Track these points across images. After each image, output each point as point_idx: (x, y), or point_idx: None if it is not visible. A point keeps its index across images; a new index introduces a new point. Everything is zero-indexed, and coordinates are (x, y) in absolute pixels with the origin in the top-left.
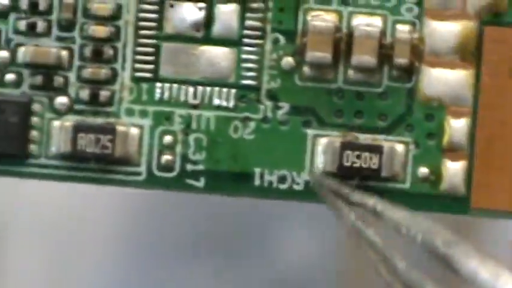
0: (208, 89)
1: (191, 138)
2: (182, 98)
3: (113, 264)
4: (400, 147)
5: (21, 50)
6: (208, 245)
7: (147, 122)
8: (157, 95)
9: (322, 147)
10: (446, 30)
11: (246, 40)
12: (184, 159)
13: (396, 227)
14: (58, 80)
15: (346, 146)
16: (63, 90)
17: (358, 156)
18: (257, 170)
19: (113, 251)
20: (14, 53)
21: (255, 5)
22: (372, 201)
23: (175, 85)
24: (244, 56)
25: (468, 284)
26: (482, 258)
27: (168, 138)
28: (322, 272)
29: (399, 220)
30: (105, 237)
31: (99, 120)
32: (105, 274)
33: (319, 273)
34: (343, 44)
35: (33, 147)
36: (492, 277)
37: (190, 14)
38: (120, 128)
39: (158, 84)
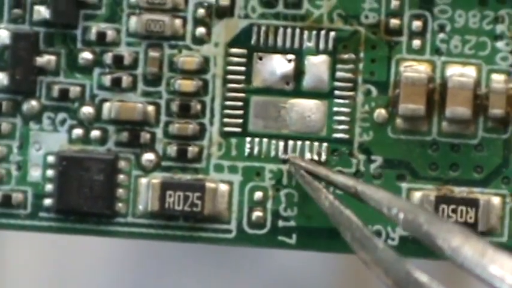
0: (299, 143)
1: (282, 194)
2: (272, 153)
3: None
4: (496, 200)
5: (106, 106)
6: None
7: (236, 178)
8: (246, 150)
9: (416, 201)
10: None
11: (337, 92)
12: (276, 215)
13: (378, 206)
14: (144, 136)
15: (441, 199)
16: (149, 146)
17: (454, 210)
18: None
19: None
20: (98, 109)
21: (345, 56)
22: (351, 181)
23: (265, 139)
24: (335, 109)
25: (451, 261)
26: (466, 235)
27: (258, 195)
28: (322, 272)
29: (380, 200)
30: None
31: (188, 177)
32: None
33: (319, 273)
34: (436, 95)
35: (120, 206)
36: (476, 254)
37: (279, 66)
38: (209, 185)
39: (247, 139)
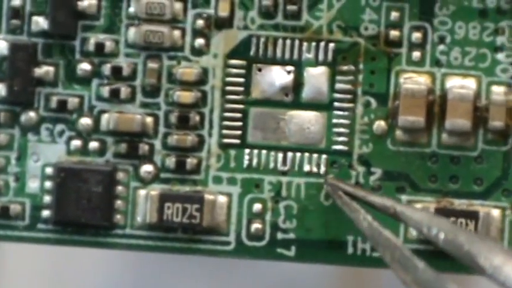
0: (298, 154)
1: (281, 205)
2: (271, 165)
3: None
4: (496, 213)
5: (105, 117)
6: None
7: (235, 190)
8: (245, 162)
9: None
10: None
11: (336, 104)
12: (275, 227)
13: (417, 226)
14: (143, 148)
15: (441, 212)
16: (148, 158)
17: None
18: (350, 238)
19: None
20: (97, 120)
21: (345, 68)
22: (390, 202)
23: (264, 151)
24: (335, 121)
25: (492, 280)
26: (508, 254)
27: (257, 206)
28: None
29: (420, 219)
30: None
31: (186, 189)
32: None
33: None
34: (436, 106)
35: (118, 218)
36: None
37: (278, 77)
38: (207, 197)
39: (246, 151)
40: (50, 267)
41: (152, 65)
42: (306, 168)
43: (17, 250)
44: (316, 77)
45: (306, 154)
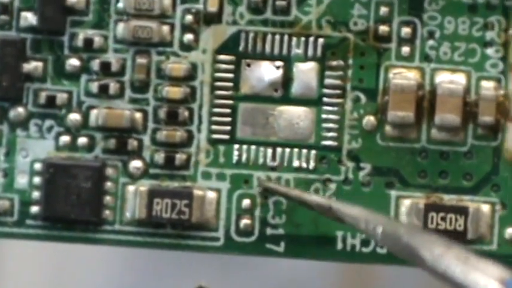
0: (287, 150)
1: (270, 201)
2: (260, 160)
3: None
4: (486, 208)
5: (94, 113)
6: None
7: (224, 186)
8: (234, 158)
9: (405, 209)
10: None
11: (325, 99)
12: (264, 223)
13: (354, 222)
14: (132, 144)
15: (430, 207)
16: (137, 153)
17: (443, 218)
18: (339, 234)
19: None
20: (86, 116)
21: (334, 63)
22: (325, 200)
23: (253, 147)
24: (324, 116)
25: (432, 271)
26: (448, 244)
27: (246, 202)
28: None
29: (356, 215)
30: None
31: (175, 185)
32: None
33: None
34: (425, 102)
35: (107, 213)
36: (459, 261)
37: (267, 73)
38: (197, 192)
39: (235, 146)
40: (41, 262)
41: (141, 60)
42: (295, 163)
43: (6, 246)
44: (305, 72)
45: (295, 150)
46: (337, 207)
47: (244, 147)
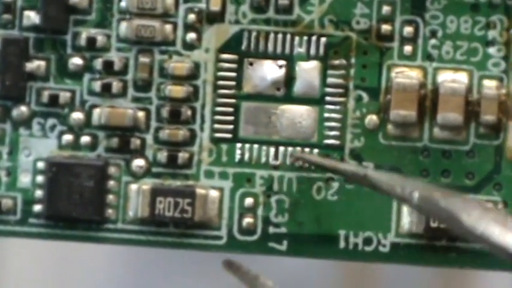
0: (290, 149)
1: (273, 200)
2: (263, 159)
3: None
4: None
5: (96, 112)
6: None
7: (227, 184)
8: (237, 156)
9: (408, 208)
10: None
11: (328, 98)
12: (266, 222)
13: (389, 188)
14: (135, 142)
15: None
16: (140, 152)
17: None
18: (342, 232)
19: None
20: (88, 115)
21: (337, 62)
22: (360, 168)
23: (255, 146)
24: (326, 115)
25: (469, 234)
26: (486, 208)
27: (249, 201)
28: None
29: (392, 181)
30: None
31: (178, 183)
32: None
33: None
34: (428, 101)
35: (109, 212)
36: (497, 224)
37: (270, 72)
38: (199, 191)
39: (238, 145)
40: (43, 261)
41: (144, 59)
42: (298, 162)
43: (9, 244)
44: (307, 71)
45: (298, 148)
46: (372, 174)
47: (247, 146)
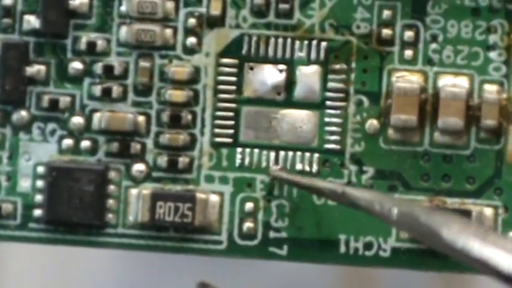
0: (290, 153)
1: (273, 205)
2: (263, 164)
3: None
4: (489, 212)
5: (97, 116)
6: None
7: (227, 189)
8: (237, 161)
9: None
10: None
11: (328, 103)
12: (267, 226)
13: (368, 205)
14: (135, 147)
15: None
16: (140, 157)
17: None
18: (342, 237)
19: None
20: (89, 119)
21: (337, 66)
22: (338, 185)
23: (256, 150)
24: (327, 119)
25: (449, 249)
26: (465, 222)
27: (249, 205)
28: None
29: (371, 198)
30: None
31: (178, 188)
32: None
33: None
34: (428, 105)
35: (110, 217)
36: (477, 238)
37: (270, 76)
38: (199, 196)
39: (238, 150)
40: (43, 266)
41: (144, 63)
42: (298, 167)
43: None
44: (308, 75)
45: (298, 153)
46: (350, 192)
47: (247, 150)
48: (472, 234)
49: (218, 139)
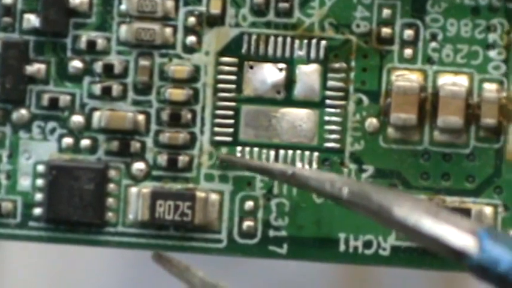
0: (290, 152)
1: (273, 203)
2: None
3: None
4: (488, 210)
5: (96, 115)
6: None
7: (227, 188)
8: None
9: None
10: None
11: (328, 101)
12: (266, 225)
13: (319, 185)
14: (135, 145)
15: None
16: (140, 155)
17: None
18: (342, 236)
19: None
20: (88, 118)
21: (337, 65)
22: (287, 167)
23: (255, 149)
24: (326, 118)
25: (401, 226)
26: (417, 200)
27: (249, 204)
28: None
29: (320, 177)
30: None
31: (178, 187)
32: None
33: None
34: (428, 104)
35: (110, 215)
36: (429, 215)
37: (270, 75)
38: (199, 194)
39: (238, 148)
40: (43, 264)
41: (144, 62)
42: (298, 165)
43: (9, 248)
44: (308, 74)
45: (298, 152)
46: (300, 172)
47: (247, 149)
48: (424, 211)
49: (218, 138)
